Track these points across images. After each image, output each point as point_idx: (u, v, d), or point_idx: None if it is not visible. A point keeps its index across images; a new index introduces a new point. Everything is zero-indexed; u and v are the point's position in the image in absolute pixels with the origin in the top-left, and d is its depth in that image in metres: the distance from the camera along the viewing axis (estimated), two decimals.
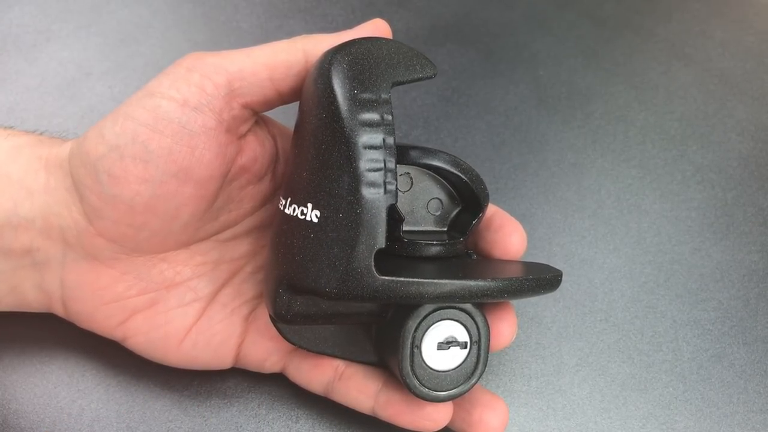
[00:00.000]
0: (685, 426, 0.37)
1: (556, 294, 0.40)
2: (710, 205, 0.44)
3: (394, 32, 0.33)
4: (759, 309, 0.41)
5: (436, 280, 0.28)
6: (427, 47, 0.50)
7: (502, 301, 0.32)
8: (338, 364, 0.33)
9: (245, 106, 0.31)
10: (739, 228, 0.44)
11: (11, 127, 0.33)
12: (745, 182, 0.45)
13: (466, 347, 0.30)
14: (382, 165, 0.27)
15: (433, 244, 0.31)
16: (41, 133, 0.33)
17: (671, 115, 0.48)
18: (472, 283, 0.28)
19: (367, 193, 0.27)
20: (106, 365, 0.36)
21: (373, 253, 0.27)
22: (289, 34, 0.32)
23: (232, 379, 0.36)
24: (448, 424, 0.32)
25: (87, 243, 0.31)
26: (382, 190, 0.27)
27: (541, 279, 0.30)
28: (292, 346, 0.33)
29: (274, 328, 0.32)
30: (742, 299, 0.41)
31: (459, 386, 0.30)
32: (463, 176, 0.32)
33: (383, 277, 0.27)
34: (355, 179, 0.27)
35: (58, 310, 0.33)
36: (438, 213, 0.33)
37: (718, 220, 0.44)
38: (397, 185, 0.28)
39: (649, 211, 0.44)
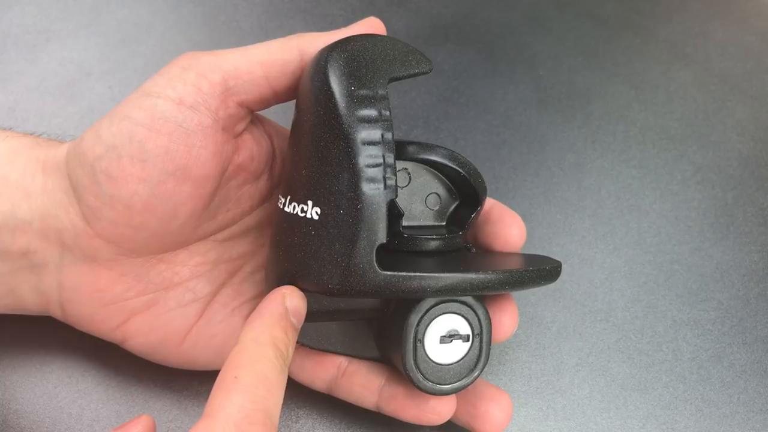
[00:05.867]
0: (685, 426, 0.37)
1: (556, 294, 0.40)
2: (710, 205, 0.44)
3: (394, 32, 0.33)
4: (759, 309, 0.41)
5: (437, 274, 0.28)
6: (427, 47, 0.50)
7: (502, 293, 0.32)
8: (341, 361, 0.33)
9: (241, 105, 0.31)
10: (739, 228, 0.44)
11: (9, 129, 0.33)
12: (745, 182, 0.45)
13: (468, 340, 0.31)
14: (381, 160, 0.27)
15: (432, 239, 0.31)
16: (39, 135, 0.33)
17: (671, 115, 0.48)
18: (472, 275, 0.28)
19: (367, 188, 0.27)
20: (106, 365, 0.36)
21: (375, 249, 0.27)
22: (289, 34, 0.32)
23: None
24: (453, 417, 0.32)
25: (85, 245, 0.31)
26: (381, 186, 0.27)
27: (541, 270, 0.30)
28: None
29: None
30: (742, 299, 0.41)
31: (462, 379, 0.31)
32: (460, 170, 0.32)
33: (385, 272, 0.27)
34: (354, 175, 0.27)
35: (56, 313, 0.33)
36: (437, 208, 0.33)
37: (718, 220, 0.44)
38: (396, 180, 0.28)
39: (649, 211, 0.44)
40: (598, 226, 0.43)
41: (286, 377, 0.27)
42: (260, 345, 0.26)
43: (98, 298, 0.32)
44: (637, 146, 0.47)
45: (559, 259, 0.32)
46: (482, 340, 0.31)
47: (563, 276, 0.40)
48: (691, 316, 0.40)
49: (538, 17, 0.53)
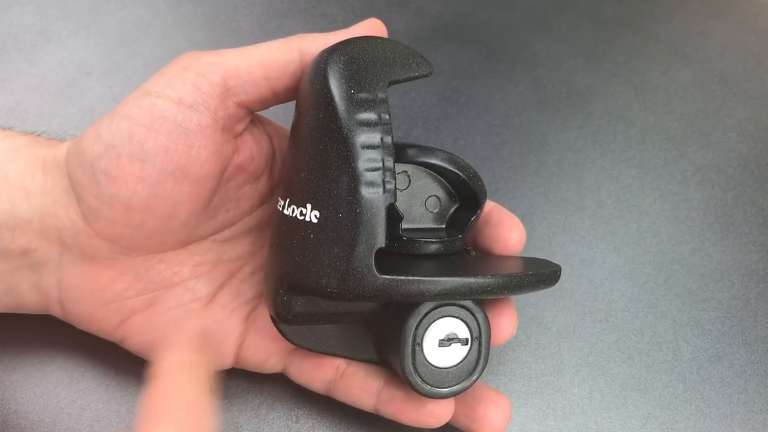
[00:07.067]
0: (685, 426, 0.37)
1: (556, 294, 0.40)
2: (710, 205, 0.44)
3: (394, 32, 0.33)
4: (759, 309, 0.41)
5: (436, 278, 0.28)
6: (427, 47, 0.50)
7: (501, 296, 0.32)
8: (339, 363, 0.33)
9: (240, 105, 0.31)
10: (739, 228, 0.44)
11: (9, 128, 0.33)
12: (745, 182, 0.45)
13: (467, 343, 0.31)
14: (381, 164, 0.27)
15: (432, 242, 0.31)
16: (39, 134, 0.33)
17: (671, 115, 0.48)
18: (471, 279, 0.28)
19: (366, 192, 0.27)
20: (106, 365, 0.36)
21: (374, 253, 0.27)
22: (289, 34, 0.32)
23: (232, 379, 0.36)
24: (452, 420, 0.32)
25: (84, 244, 0.31)
26: (381, 190, 0.27)
27: (540, 274, 0.30)
28: (293, 346, 0.33)
29: (274, 329, 0.32)
30: (742, 299, 0.41)
31: (461, 382, 0.31)
32: (460, 173, 0.32)
33: (384, 276, 0.27)
34: (353, 179, 0.27)
35: (56, 312, 0.33)
36: (436, 210, 0.33)
37: (718, 220, 0.44)
38: (395, 184, 0.28)
39: (649, 211, 0.44)
40: (598, 226, 0.43)
41: (209, 393, 0.25)
42: (170, 374, 0.25)
43: (98, 297, 0.32)
44: (637, 146, 0.47)
45: (559, 260, 0.32)
46: (481, 343, 0.31)
47: (563, 276, 0.40)
48: (691, 316, 0.40)
49: (538, 17, 0.53)
